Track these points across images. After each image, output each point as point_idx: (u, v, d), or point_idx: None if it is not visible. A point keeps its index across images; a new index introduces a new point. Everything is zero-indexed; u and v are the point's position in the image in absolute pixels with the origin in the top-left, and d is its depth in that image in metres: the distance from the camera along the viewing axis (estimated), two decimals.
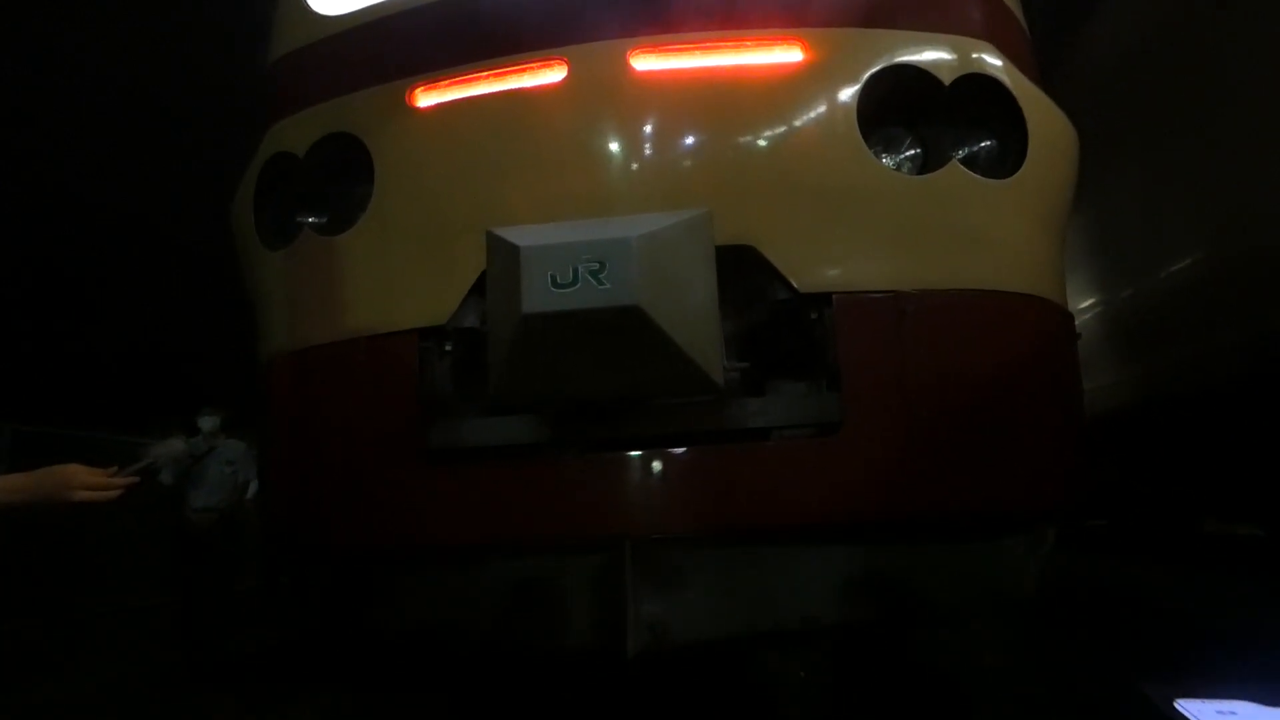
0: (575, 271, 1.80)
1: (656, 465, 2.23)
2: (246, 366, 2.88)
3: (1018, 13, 2.86)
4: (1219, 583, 5.63)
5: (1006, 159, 2.47)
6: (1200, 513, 7.08)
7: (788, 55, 2.44)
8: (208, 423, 6.24)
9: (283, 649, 5.40)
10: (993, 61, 2.48)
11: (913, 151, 2.55)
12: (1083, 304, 5.95)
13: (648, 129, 2.40)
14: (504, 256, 1.90)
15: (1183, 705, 1.64)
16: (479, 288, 2.31)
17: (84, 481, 1.67)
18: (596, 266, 1.79)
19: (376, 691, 3.61)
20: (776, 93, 2.42)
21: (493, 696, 3.20)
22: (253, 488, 6.64)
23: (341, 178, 2.61)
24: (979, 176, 2.40)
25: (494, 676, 3.23)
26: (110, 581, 8.19)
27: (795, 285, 2.28)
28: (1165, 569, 6.46)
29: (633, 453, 2.24)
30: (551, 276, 1.80)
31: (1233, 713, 1.62)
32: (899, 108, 2.48)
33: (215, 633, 5.77)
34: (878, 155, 2.41)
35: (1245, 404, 4.67)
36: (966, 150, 2.51)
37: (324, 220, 2.69)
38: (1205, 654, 3.47)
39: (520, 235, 1.91)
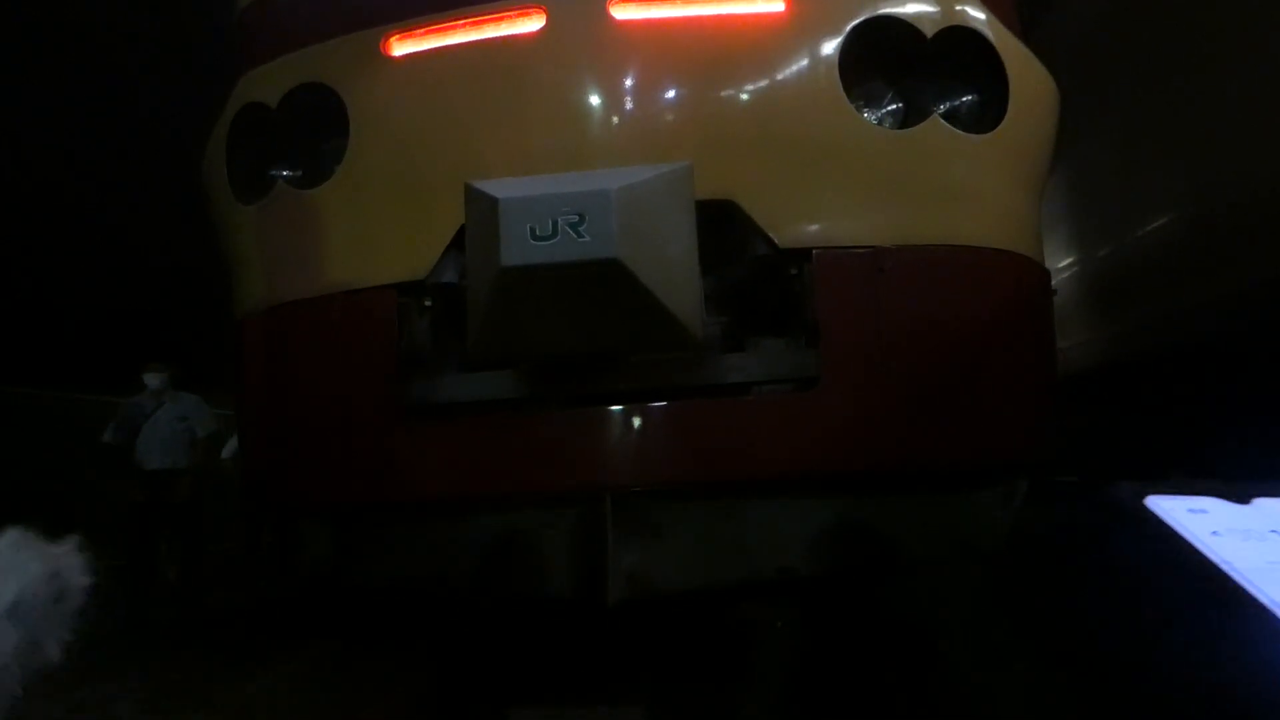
0: (554, 224, 1.78)
1: (636, 419, 2.25)
2: (196, 321, 2.84)
3: None
4: None
5: (987, 113, 2.47)
6: (1165, 468, 7.27)
7: (770, 5, 2.40)
8: (154, 379, 5.99)
9: (268, 606, 5.44)
10: (975, 14, 2.46)
11: (894, 106, 2.54)
12: (1057, 264, 6.00)
13: (627, 80, 2.37)
14: (482, 209, 1.89)
15: (1152, 503, 1.62)
16: (458, 242, 2.29)
17: None
18: (576, 219, 1.78)
19: (363, 644, 3.67)
20: (758, 44, 2.39)
21: (476, 646, 3.26)
22: (231, 446, 6.58)
23: (316, 129, 2.56)
24: (960, 131, 2.40)
25: (477, 627, 3.29)
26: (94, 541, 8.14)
27: (775, 241, 2.28)
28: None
29: (613, 407, 2.26)
30: (530, 229, 1.79)
31: (1203, 510, 1.60)
32: (881, 61, 2.46)
33: (186, 594, 5.75)
34: (859, 109, 2.40)
35: (1210, 361, 4.77)
36: (948, 105, 2.50)
37: (299, 173, 2.64)
38: None
39: (499, 187, 1.90)
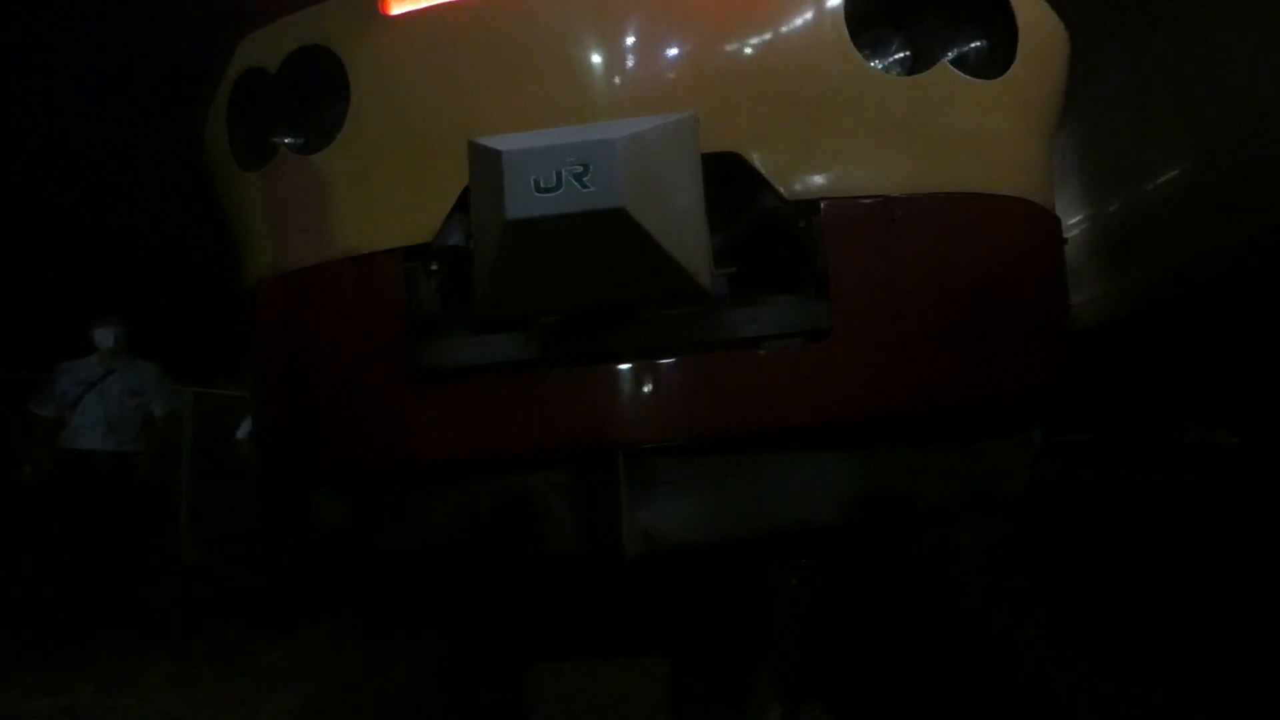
0: (559, 175, 1.77)
1: (647, 376, 2.25)
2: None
3: None
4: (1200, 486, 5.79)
5: (996, 58, 2.43)
6: (1181, 422, 7.23)
7: None
8: (106, 337, 4.71)
9: (287, 582, 5.51)
10: None
11: (901, 53, 2.49)
12: (1066, 220, 5.92)
13: (629, 34, 2.33)
14: (486, 163, 1.87)
15: None
16: (463, 204, 2.27)
17: None
18: (580, 169, 1.76)
19: (383, 614, 3.71)
20: None
21: (499, 608, 3.29)
22: (245, 426, 6.61)
23: (317, 92, 2.54)
24: (968, 77, 2.36)
25: (499, 589, 3.32)
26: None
27: (783, 192, 2.25)
28: (1148, 476, 6.62)
29: (623, 364, 2.25)
30: (534, 181, 1.77)
31: None
32: (887, 7, 2.42)
33: (135, 591, 4.88)
34: (866, 58, 2.35)
35: (1222, 314, 4.72)
36: (956, 50, 2.45)
37: (301, 138, 2.63)
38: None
39: (502, 141, 1.88)
